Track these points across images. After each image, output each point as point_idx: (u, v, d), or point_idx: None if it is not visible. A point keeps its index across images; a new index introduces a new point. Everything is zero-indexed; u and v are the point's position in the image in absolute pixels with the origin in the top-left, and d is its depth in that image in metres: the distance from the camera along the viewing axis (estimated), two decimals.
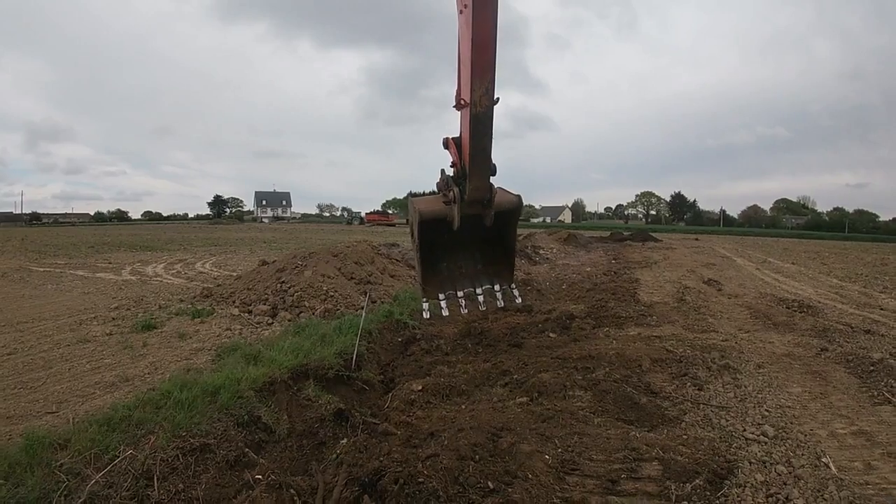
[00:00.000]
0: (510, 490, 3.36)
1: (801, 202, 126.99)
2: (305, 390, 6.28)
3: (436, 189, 5.77)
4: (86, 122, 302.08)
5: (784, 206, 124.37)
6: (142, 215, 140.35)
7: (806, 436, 4.76)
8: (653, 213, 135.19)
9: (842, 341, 8.41)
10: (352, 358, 7.19)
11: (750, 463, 4.12)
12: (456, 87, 5.13)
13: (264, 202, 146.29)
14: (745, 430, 4.79)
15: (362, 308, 8.99)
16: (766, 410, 5.28)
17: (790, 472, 4.02)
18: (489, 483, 3.46)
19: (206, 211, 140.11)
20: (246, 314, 10.04)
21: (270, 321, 9.57)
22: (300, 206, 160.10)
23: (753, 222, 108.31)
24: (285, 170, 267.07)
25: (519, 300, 6.21)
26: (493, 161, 5.15)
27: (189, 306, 11.00)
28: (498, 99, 4.79)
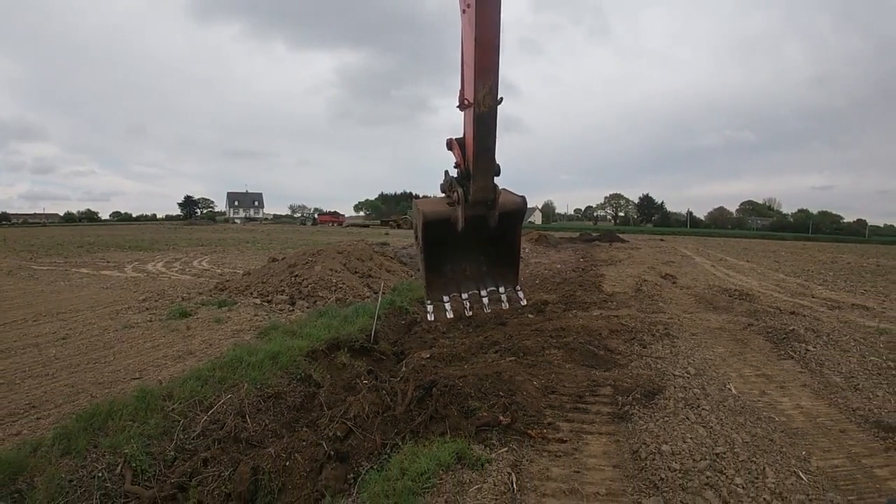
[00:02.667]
0: (514, 397, 5.22)
1: (767, 204, 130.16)
2: (339, 357, 7.90)
3: (440, 191, 5.75)
4: (56, 121, 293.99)
5: (750, 208, 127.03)
6: (110, 216, 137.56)
7: (719, 375, 6.61)
8: (621, 214, 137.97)
9: (767, 319, 10.28)
10: (371, 334, 8.82)
11: (675, 387, 5.94)
12: (459, 88, 5.14)
13: (236, 203, 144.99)
14: (674, 370, 6.62)
15: (368, 298, 10.60)
16: (692, 360, 7.13)
17: (702, 392, 5.85)
18: (500, 392, 5.33)
19: (176, 211, 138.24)
20: (266, 303, 11.55)
21: (291, 308, 11.11)
22: (272, 207, 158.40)
23: (719, 223, 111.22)
24: (257, 169, 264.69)
25: (524, 302, 5.99)
26: (497, 162, 5.12)
27: (209, 298, 12.39)
28: (502, 99, 4.79)
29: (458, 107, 5.14)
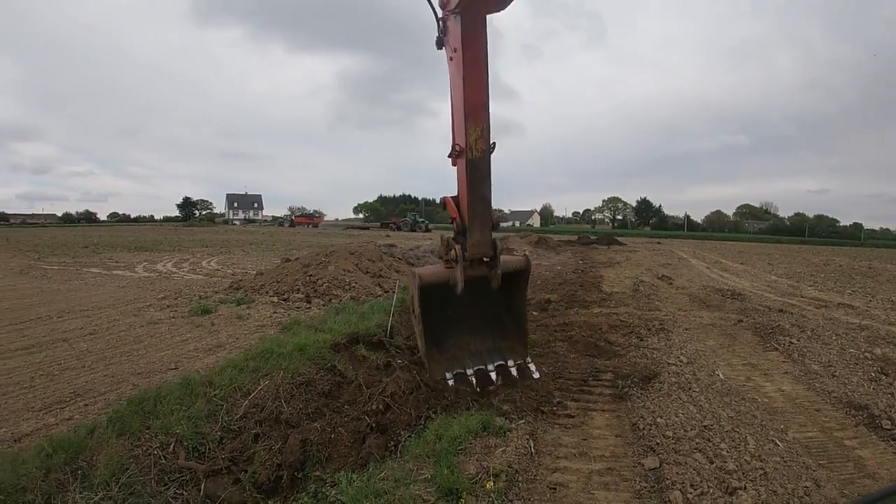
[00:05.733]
0: None
1: (764, 207, 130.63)
2: (359, 350, 8.48)
3: (437, 258, 5.78)
4: (55, 121, 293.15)
5: (746, 212, 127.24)
6: (108, 216, 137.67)
7: (709, 364, 7.26)
8: (619, 217, 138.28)
9: (756, 316, 10.93)
10: (387, 329, 9.44)
11: (668, 373, 6.61)
12: (451, 139, 5.12)
13: (236, 204, 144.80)
14: (668, 359, 7.27)
15: (380, 296, 11.20)
16: (685, 351, 7.79)
17: (693, 378, 6.51)
18: None
19: (174, 212, 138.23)
20: (283, 301, 12.15)
21: (308, 306, 11.71)
22: (271, 209, 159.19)
23: (716, 227, 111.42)
24: (255, 172, 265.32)
25: (536, 375, 5.74)
26: (494, 175, 5.02)
27: (227, 296, 12.92)
28: (494, 145, 4.84)
29: (448, 156, 5.15)
